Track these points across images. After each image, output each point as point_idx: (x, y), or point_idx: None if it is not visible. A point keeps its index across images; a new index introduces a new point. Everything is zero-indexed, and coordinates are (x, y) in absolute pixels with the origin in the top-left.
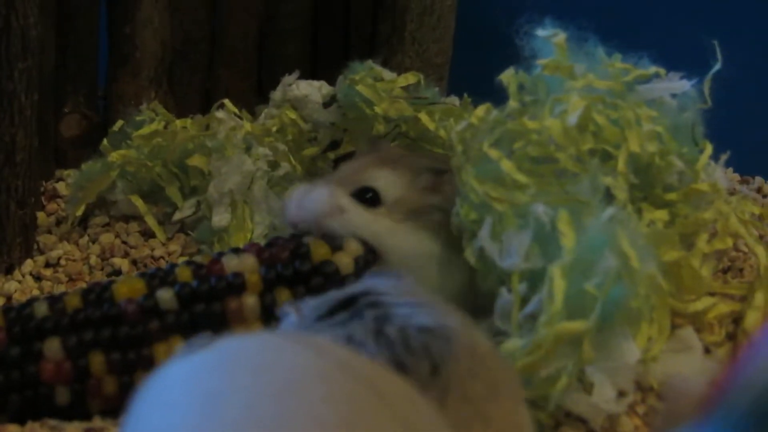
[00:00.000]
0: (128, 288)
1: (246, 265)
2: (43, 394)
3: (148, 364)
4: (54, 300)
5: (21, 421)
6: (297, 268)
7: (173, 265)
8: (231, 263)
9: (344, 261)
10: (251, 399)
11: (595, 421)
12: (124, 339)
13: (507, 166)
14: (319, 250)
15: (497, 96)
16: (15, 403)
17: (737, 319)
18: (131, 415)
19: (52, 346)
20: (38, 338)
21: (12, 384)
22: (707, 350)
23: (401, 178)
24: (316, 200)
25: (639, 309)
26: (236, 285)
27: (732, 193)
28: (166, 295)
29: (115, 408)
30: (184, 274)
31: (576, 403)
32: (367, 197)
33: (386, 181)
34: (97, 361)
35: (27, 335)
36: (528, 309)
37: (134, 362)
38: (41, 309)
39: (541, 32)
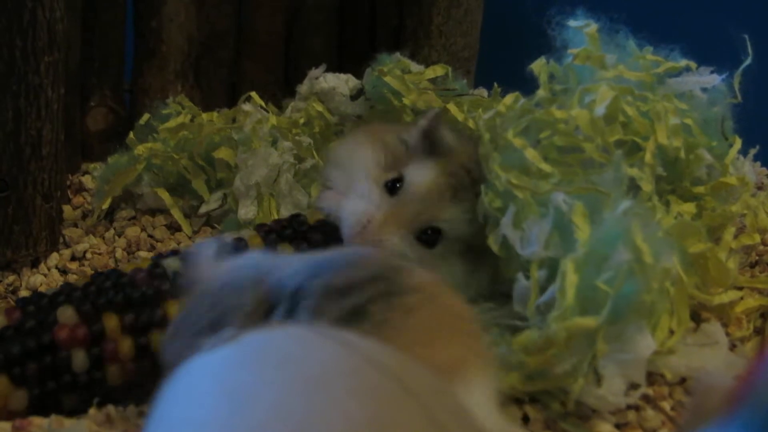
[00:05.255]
0: (135, 265)
1: (246, 233)
2: (61, 360)
3: (162, 323)
4: (65, 284)
5: (41, 395)
6: (295, 228)
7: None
8: (232, 236)
9: None
10: (278, 394)
11: (604, 412)
12: (136, 300)
13: (531, 154)
14: (316, 215)
15: (526, 89)
16: (33, 371)
17: (765, 314)
18: (157, 408)
19: (66, 312)
20: (52, 309)
21: (29, 352)
22: (734, 345)
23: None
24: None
25: (653, 303)
26: (239, 247)
27: (760, 187)
28: (173, 263)
29: (132, 377)
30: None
31: (585, 394)
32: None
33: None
34: (111, 322)
35: (41, 310)
36: (545, 297)
37: (148, 322)
38: (52, 290)
39: (573, 23)
